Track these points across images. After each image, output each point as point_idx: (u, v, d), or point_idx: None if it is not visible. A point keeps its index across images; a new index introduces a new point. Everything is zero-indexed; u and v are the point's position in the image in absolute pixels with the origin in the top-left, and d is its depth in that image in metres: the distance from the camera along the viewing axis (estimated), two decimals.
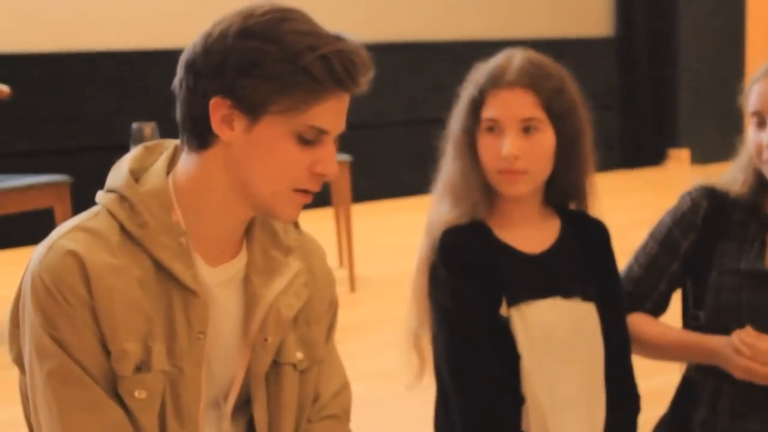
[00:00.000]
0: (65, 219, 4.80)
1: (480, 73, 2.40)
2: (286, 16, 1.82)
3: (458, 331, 2.37)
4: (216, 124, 1.81)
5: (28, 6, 6.64)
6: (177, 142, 1.94)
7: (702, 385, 2.57)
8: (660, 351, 2.61)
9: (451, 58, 7.58)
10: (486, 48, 2.52)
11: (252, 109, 1.80)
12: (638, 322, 2.60)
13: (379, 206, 7.41)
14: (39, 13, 6.66)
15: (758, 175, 2.55)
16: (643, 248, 2.65)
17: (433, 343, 2.44)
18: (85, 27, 6.84)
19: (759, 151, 2.49)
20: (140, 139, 4.65)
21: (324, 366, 2.04)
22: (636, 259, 2.65)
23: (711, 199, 2.61)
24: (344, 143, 5.83)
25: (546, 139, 2.37)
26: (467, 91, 2.41)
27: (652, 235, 2.65)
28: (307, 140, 1.82)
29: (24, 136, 6.58)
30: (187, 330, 1.84)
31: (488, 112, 2.37)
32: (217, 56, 1.80)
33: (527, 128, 2.35)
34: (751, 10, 9.39)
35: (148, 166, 1.90)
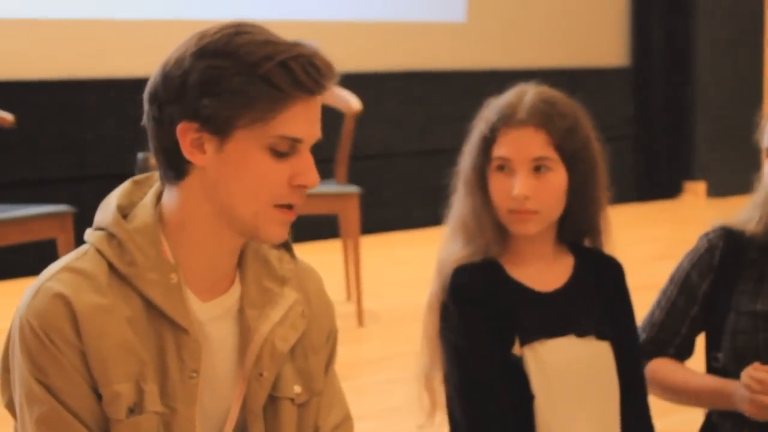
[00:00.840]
0: (68, 250, 4.79)
1: (491, 110, 2.42)
2: (239, 30, 1.84)
3: (471, 370, 2.38)
4: (186, 149, 1.80)
5: (33, 33, 6.67)
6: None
7: (722, 429, 2.57)
8: (683, 397, 2.62)
9: (463, 88, 7.60)
10: (499, 78, 2.54)
11: (219, 128, 1.80)
12: (661, 367, 2.61)
13: (389, 238, 7.40)
14: (44, 40, 6.70)
15: None
16: (664, 292, 2.66)
17: (445, 383, 2.45)
18: (90, 54, 6.87)
19: None
20: (145, 168, 4.67)
21: (324, 398, 2.02)
22: (657, 303, 2.66)
23: (727, 240, 2.61)
24: (353, 174, 5.90)
25: (557, 178, 2.39)
26: (478, 128, 2.43)
27: (671, 279, 2.65)
28: (281, 152, 1.82)
29: (27, 165, 6.59)
30: (180, 369, 1.83)
31: (499, 151, 2.39)
32: (175, 81, 1.81)
33: (538, 168, 2.37)
34: None
35: (137, 201, 1.90)
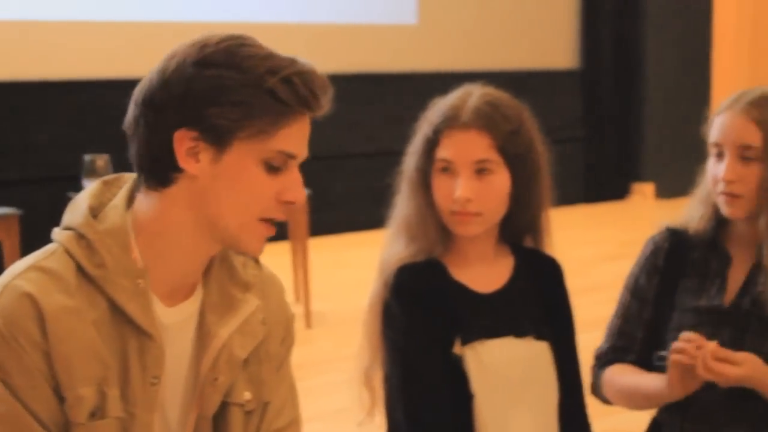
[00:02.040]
0: (14, 253, 4.77)
1: (435, 112, 2.41)
2: (242, 42, 1.83)
3: (412, 369, 2.38)
4: (181, 157, 1.79)
5: None
6: (135, 176, 1.91)
7: (669, 425, 2.59)
8: (636, 399, 2.63)
9: (414, 90, 7.54)
10: (450, 80, 2.54)
11: (219, 139, 1.80)
12: (614, 373, 2.64)
13: (337, 240, 7.42)
14: None
15: (716, 209, 2.57)
16: (619, 299, 2.68)
17: (385, 381, 2.45)
18: (34, 56, 6.82)
19: (715, 183, 2.52)
20: (92, 171, 4.65)
21: (273, 402, 2.01)
22: (615, 311, 2.69)
23: (671, 240, 2.64)
24: (302, 176, 5.88)
25: (500, 180, 2.38)
26: (422, 129, 2.42)
27: (625, 285, 2.68)
28: (275, 167, 1.83)
29: None
30: (142, 375, 1.83)
31: (442, 153, 2.38)
32: (176, 88, 1.79)
33: (481, 170, 2.36)
34: (717, 42, 9.49)
35: (107, 202, 1.88)
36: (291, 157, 1.84)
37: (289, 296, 5.61)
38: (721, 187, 2.50)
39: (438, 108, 2.42)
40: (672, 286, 2.62)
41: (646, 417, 2.68)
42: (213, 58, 1.80)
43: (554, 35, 9.38)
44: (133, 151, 1.85)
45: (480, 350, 2.38)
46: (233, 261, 1.97)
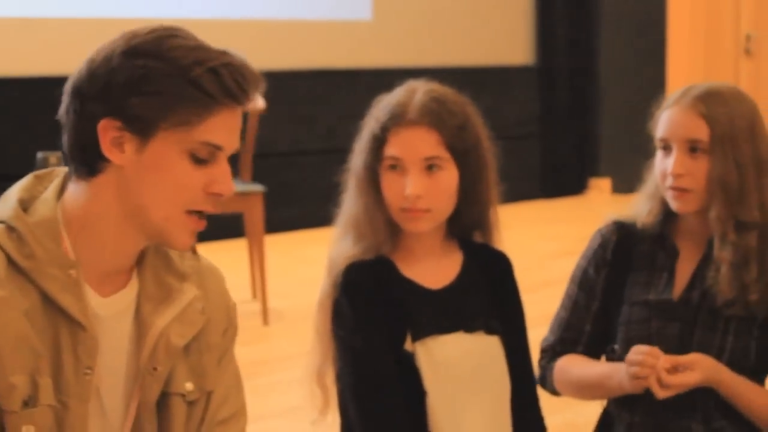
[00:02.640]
0: None
1: (382, 109, 2.42)
2: (171, 33, 1.85)
3: (364, 367, 2.39)
4: (106, 147, 1.81)
5: None
6: (66, 170, 1.93)
7: (619, 419, 2.61)
8: (586, 389, 2.65)
9: (370, 87, 7.58)
10: (406, 76, 2.54)
11: (143, 129, 1.81)
12: (564, 364, 2.66)
13: (294, 237, 7.41)
14: None
15: (664, 203, 2.59)
16: (566, 291, 2.70)
17: (337, 380, 2.45)
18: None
19: (663, 178, 2.54)
20: (45, 168, 4.64)
21: (216, 393, 2.02)
22: (561, 303, 2.71)
23: (619, 233, 2.66)
24: (258, 173, 5.90)
25: (449, 176, 2.39)
26: (369, 127, 2.43)
27: (571, 278, 2.70)
28: (201, 159, 1.84)
29: None
30: (74, 365, 1.83)
31: (390, 150, 2.39)
32: (102, 78, 1.81)
33: (430, 167, 2.37)
34: (671, 39, 9.55)
35: (38, 195, 1.88)
36: (218, 148, 1.85)
37: (247, 293, 5.64)
38: (669, 181, 2.52)
39: (384, 105, 2.42)
40: (621, 279, 2.63)
41: (597, 410, 2.69)
42: (140, 48, 1.82)
43: (510, 31, 9.41)
44: (63, 140, 1.87)
45: (431, 346, 2.39)
46: (168, 251, 1.97)
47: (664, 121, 2.55)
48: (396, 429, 2.37)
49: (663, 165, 2.54)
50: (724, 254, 2.51)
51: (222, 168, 1.86)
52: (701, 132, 2.50)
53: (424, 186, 2.36)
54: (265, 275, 5.63)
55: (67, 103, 1.86)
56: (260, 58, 1.90)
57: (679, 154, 2.52)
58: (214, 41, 1.88)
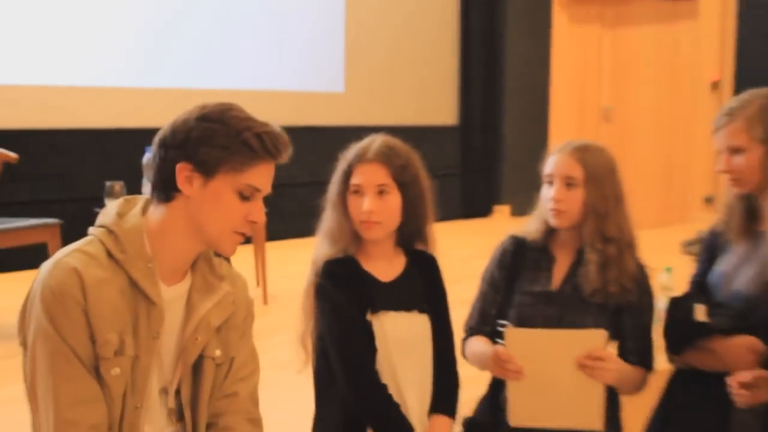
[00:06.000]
0: (56, 251, 4.72)
1: (350, 151, 2.44)
2: (230, 106, 1.88)
3: (343, 326, 2.38)
4: (180, 182, 1.84)
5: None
6: (146, 197, 1.96)
7: (497, 389, 2.58)
8: (476, 362, 2.62)
9: (343, 139, 7.57)
10: (368, 131, 2.57)
11: (207, 171, 1.83)
12: (471, 343, 2.63)
13: (286, 243, 7.38)
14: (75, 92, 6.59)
15: (547, 224, 2.60)
16: (479, 288, 2.68)
17: (317, 342, 2.45)
18: (70, 111, 6.73)
19: (547, 202, 2.55)
20: (111, 193, 4.60)
21: (238, 358, 2.03)
22: (476, 297, 2.68)
23: (514, 244, 2.65)
24: (265, 198, 5.85)
25: (394, 199, 2.40)
26: (341, 165, 2.45)
27: (482, 278, 2.68)
28: (245, 196, 1.86)
29: (27, 190, 6.47)
30: (147, 330, 1.86)
31: (354, 180, 2.40)
32: (182, 134, 1.84)
33: (381, 191, 2.38)
34: (553, 108, 9.62)
35: (128, 212, 1.92)
36: (257, 190, 1.87)
37: (252, 282, 5.59)
38: (551, 204, 2.53)
39: (352, 149, 2.45)
40: (515, 276, 2.62)
41: None
42: (210, 115, 1.85)
43: (441, 101, 9.42)
44: (151, 176, 1.89)
45: (383, 319, 2.40)
46: (212, 259, 2.00)
47: (550, 163, 2.56)
48: (365, 364, 2.37)
49: (547, 193, 2.55)
50: (592, 258, 2.52)
51: (258, 204, 1.89)
52: (576, 171, 2.51)
53: (377, 205, 2.38)
54: (266, 270, 5.63)
55: (154, 151, 1.88)
56: (263, 117, 1.92)
57: (559, 186, 2.53)
58: (251, 110, 1.91)
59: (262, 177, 1.87)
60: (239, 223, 1.87)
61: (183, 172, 1.83)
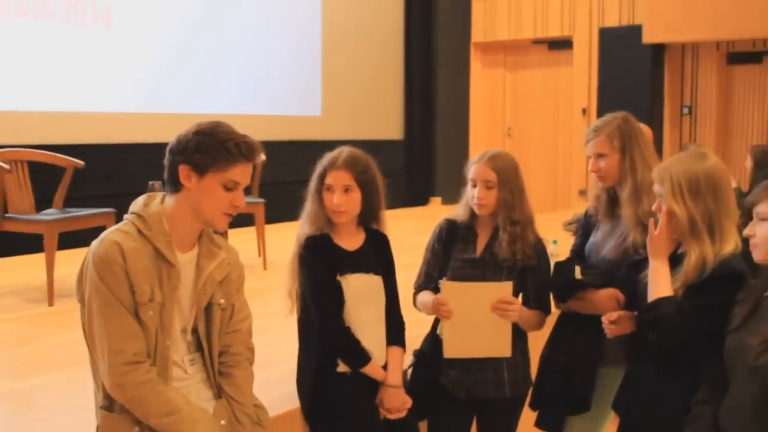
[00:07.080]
0: None
1: (324, 159, 2.45)
2: (218, 124, 1.90)
3: (321, 285, 2.38)
4: (182, 179, 1.86)
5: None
6: (163, 193, 1.96)
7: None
8: (423, 309, 2.60)
9: (320, 150, 7.52)
10: (338, 144, 2.58)
11: (200, 170, 1.86)
12: (419, 295, 2.61)
13: (280, 225, 7.29)
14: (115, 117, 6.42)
15: (471, 210, 2.58)
16: (424, 256, 2.66)
17: (300, 296, 2.43)
18: (130, 129, 6.59)
19: (472, 198, 2.55)
20: (153, 189, 4.55)
21: (236, 305, 2.04)
22: (423, 263, 2.66)
23: (449, 225, 2.64)
24: (262, 191, 5.77)
25: (356, 195, 2.41)
26: (318, 168, 2.46)
27: (426, 248, 2.66)
28: (229, 188, 1.88)
29: (90, 188, 6.34)
30: (169, 284, 1.87)
31: (327, 180, 2.41)
32: (183, 144, 1.87)
33: (347, 189, 2.39)
34: (472, 125, 9.68)
35: (151, 202, 1.94)
36: (238, 183, 1.89)
37: (255, 253, 5.52)
38: (475, 201, 2.53)
39: (326, 158, 2.45)
40: (449, 247, 2.60)
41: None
42: (202, 130, 1.87)
43: (390, 122, 9.40)
44: (164, 174, 1.90)
45: (349, 279, 2.39)
46: (212, 235, 2.01)
47: (472, 170, 2.55)
48: (335, 313, 2.36)
49: (472, 192, 2.55)
50: (504, 236, 2.52)
51: (239, 194, 1.90)
52: (492, 176, 2.51)
53: (343, 199, 2.39)
54: (265, 245, 5.55)
55: (166, 156, 1.89)
56: (259, 134, 1.92)
57: (480, 188, 2.53)
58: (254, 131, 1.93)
59: (241, 174, 1.89)
60: (226, 207, 1.90)
61: (183, 171, 1.86)
